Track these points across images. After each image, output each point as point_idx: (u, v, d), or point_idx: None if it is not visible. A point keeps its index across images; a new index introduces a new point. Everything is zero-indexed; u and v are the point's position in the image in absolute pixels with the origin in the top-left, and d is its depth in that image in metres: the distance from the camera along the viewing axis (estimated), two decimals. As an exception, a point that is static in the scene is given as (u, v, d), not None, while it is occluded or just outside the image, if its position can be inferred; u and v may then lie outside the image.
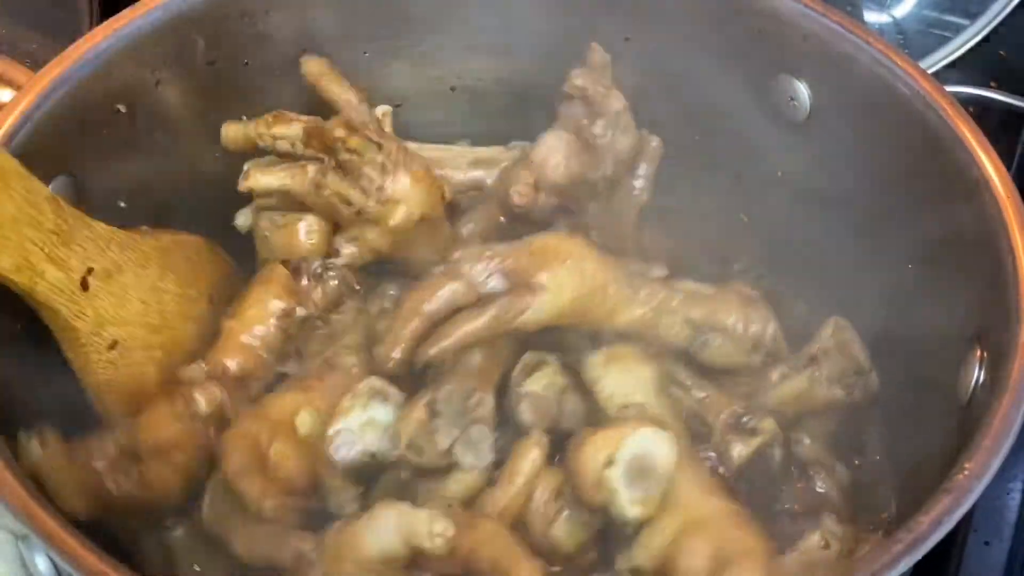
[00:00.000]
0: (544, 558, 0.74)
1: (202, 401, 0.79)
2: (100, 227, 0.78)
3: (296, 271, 0.86)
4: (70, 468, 0.74)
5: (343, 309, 0.87)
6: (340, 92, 0.91)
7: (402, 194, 0.86)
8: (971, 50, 1.14)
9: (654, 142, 0.94)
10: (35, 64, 1.03)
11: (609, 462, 0.73)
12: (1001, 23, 1.14)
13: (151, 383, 0.82)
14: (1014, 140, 1.14)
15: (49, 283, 0.74)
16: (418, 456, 0.76)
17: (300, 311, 0.85)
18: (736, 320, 0.85)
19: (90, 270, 0.77)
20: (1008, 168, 0.79)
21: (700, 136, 0.96)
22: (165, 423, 0.78)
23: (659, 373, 0.83)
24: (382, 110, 0.95)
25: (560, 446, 0.78)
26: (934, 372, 0.80)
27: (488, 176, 0.96)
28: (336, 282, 0.86)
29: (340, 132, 0.85)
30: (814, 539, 0.75)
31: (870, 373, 0.85)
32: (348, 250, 0.88)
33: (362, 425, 0.78)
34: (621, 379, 0.81)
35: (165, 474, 0.77)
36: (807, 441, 0.86)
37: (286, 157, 0.86)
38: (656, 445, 0.74)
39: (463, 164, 0.97)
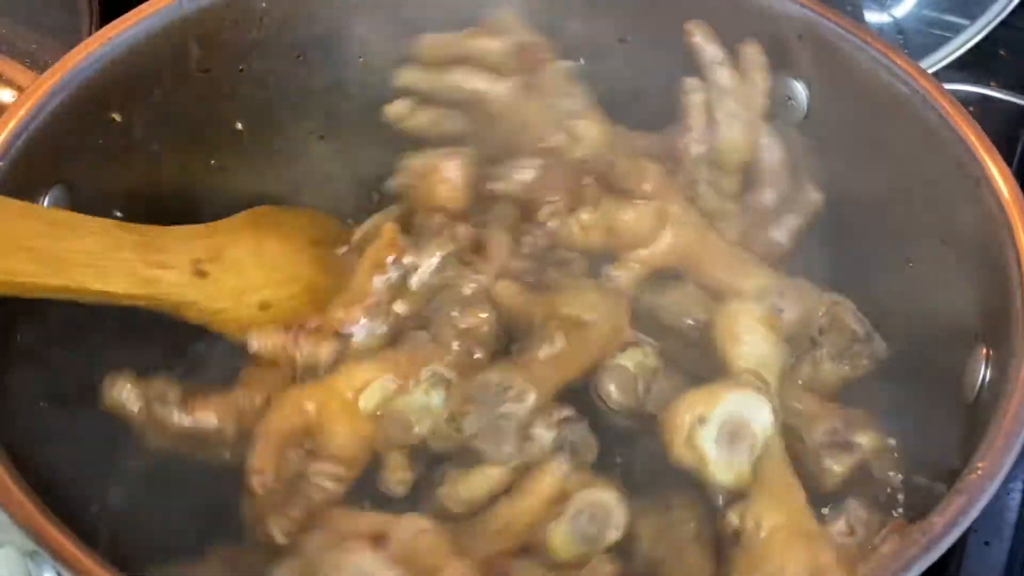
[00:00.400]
0: (541, 560, 0.73)
1: (254, 343, 0.82)
2: (174, 229, 0.83)
3: (411, 228, 0.87)
4: (148, 406, 0.78)
5: (466, 283, 0.85)
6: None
7: (586, 135, 0.88)
8: (971, 50, 1.14)
9: (812, 195, 0.89)
10: (35, 64, 1.03)
11: (702, 420, 0.72)
12: (1001, 23, 1.14)
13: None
14: (1015, 139, 1.14)
15: (171, 284, 0.80)
16: (455, 434, 0.75)
17: (410, 261, 0.85)
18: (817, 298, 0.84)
19: (197, 260, 0.82)
20: (1009, 167, 0.78)
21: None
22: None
23: (787, 366, 0.80)
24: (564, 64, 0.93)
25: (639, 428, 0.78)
26: (938, 371, 0.79)
27: None
28: (450, 247, 0.86)
29: (547, 54, 0.88)
30: (839, 525, 0.73)
31: (871, 340, 0.83)
32: (520, 175, 0.88)
33: (420, 409, 0.78)
34: (764, 347, 0.79)
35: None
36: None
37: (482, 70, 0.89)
38: (753, 409, 0.73)
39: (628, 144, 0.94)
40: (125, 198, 0.86)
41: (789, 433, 0.79)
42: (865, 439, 0.77)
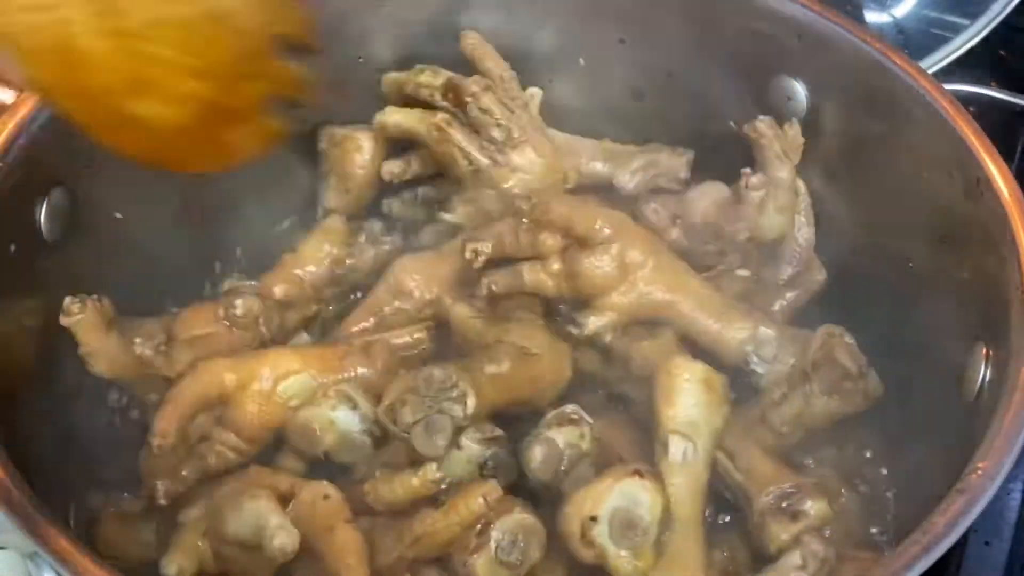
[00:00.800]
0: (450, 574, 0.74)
1: (240, 308, 0.85)
2: None
3: (358, 228, 0.93)
4: (103, 333, 0.81)
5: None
6: (493, 65, 0.93)
7: (522, 164, 0.91)
8: (971, 50, 1.13)
9: (818, 275, 0.91)
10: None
11: (592, 519, 0.73)
12: (1001, 23, 1.14)
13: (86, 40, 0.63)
14: (1014, 139, 1.14)
15: None
16: (391, 424, 0.76)
17: (350, 261, 0.91)
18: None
19: None
20: (1009, 167, 0.78)
21: (696, 137, 0.95)
22: (202, 320, 0.86)
23: (724, 426, 0.80)
24: (532, 91, 0.96)
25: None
26: (939, 370, 0.79)
27: (615, 172, 0.95)
28: (388, 248, 0.93)
29: (475, 88, 0.91)
30: (794, 559, 0.74)
31: (863, 378, 0.82)
32: (462, 209, 0.92)
33: (325, 424, 0.80)
34: (695, 409, 0.79)
35: (186, 358, 0.84)
36: (810, 463, 0.84)
37: (426, 106, 0.93)
38: (638, 496, 0.74)
39: (592, 155, 0.96)
40: (124, 200, 0.86)
41: (739, 494, 0.79)
42: (815, 507, 0.77)
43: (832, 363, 0.81)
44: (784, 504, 0.77)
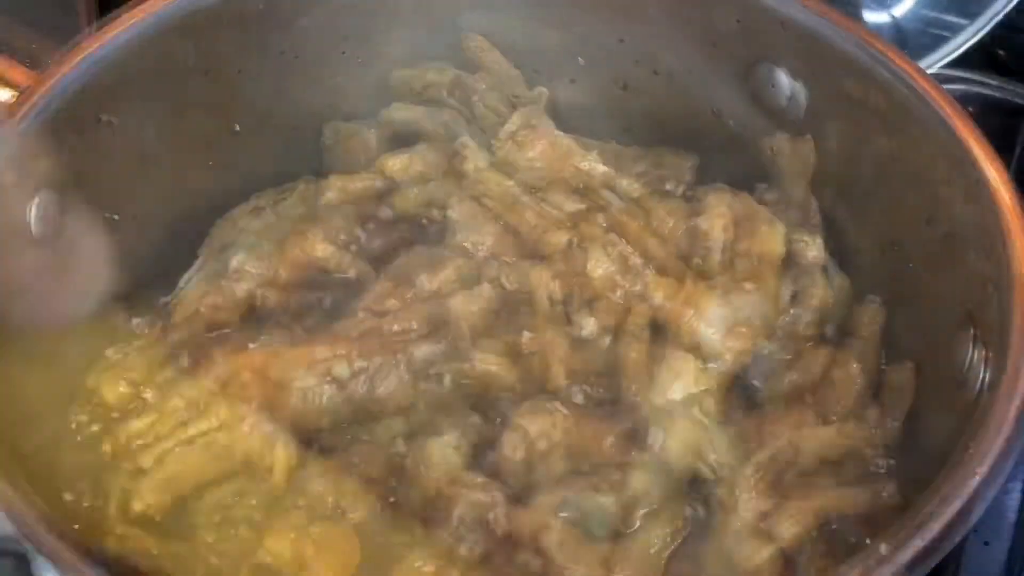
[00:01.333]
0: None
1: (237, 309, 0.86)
2: None
3: (364, 215, 0.94)
4: None
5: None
6: (500, 65, 0.95)
7: (526, 162, 0.92)
8: (971, 50, 1.13)
9: (822, 292, 0.89)
10: (34, 64, 1.02)
11: (546, 528, 0.75)
12: (1000, 23, 1.14)
13: None
14: (1013, 139, 1.14)
15: None
16: (366, 392, 0.79)
17: (350, 259, 0.91)
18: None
19: None
20: (1007, 167, 0.78)
21: (697, 135, 0.96)
22: (199, 320, 0.86)
23: (706, 431, 0.81)
24: (539, 91, 0.97)
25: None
26: (937, 371, 0.80)
27: (619, 174, 0.95)
28: (388, 246, 0.93)
29: (481, 86, 0.93)
30: None
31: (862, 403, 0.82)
32: (465, 205, 0.92)
33: (313, 401, 0.80)
34: (679, 404, 0.80)
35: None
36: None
37: (432, 103, 0.95)
38: (598, 503, 0.76)
39: (596, 157, 0.96)
40: (121, 202, 0.87)
41: (721, 507, 0.79)
42: (788, 528, 0.76)
43: (830, 384, 0.82)
44: (762, 524, 0.76)
